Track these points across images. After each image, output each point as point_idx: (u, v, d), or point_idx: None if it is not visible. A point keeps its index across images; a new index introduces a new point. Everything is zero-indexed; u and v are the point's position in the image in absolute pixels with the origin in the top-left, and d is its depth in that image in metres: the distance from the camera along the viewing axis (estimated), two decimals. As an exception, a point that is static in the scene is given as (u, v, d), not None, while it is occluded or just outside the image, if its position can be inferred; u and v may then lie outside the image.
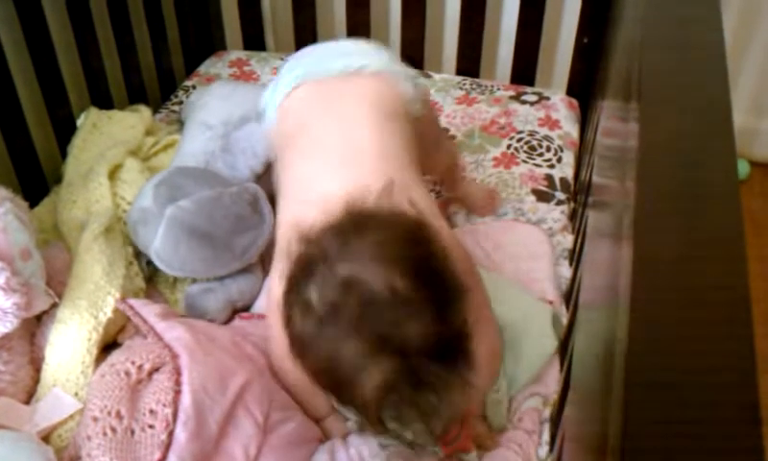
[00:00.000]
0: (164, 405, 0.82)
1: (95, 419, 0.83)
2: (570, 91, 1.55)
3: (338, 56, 1.01)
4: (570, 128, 1.43)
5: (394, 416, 0.69)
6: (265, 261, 1.09)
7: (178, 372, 0.84)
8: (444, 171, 1.19)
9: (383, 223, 0.73)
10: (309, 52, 1.07)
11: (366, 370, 0.67)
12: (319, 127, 0.94)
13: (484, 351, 0.81)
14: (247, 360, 0.91)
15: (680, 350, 0.42)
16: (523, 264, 1.11)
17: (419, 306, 0.67)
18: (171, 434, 0.81)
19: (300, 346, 0.72)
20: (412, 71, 1.04)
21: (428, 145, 1.03)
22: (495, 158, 1.35)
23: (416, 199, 0.80)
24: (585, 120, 1.48)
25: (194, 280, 1.04)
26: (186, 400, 0.82)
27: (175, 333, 0.88)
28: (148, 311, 0.92)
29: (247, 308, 1.06)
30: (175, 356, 0.85)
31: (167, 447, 0.80)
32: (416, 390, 0.67)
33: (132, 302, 0.94)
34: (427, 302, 0.68)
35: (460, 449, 0.86)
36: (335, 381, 0.71)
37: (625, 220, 0.53)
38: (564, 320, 1.01)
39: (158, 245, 1.00)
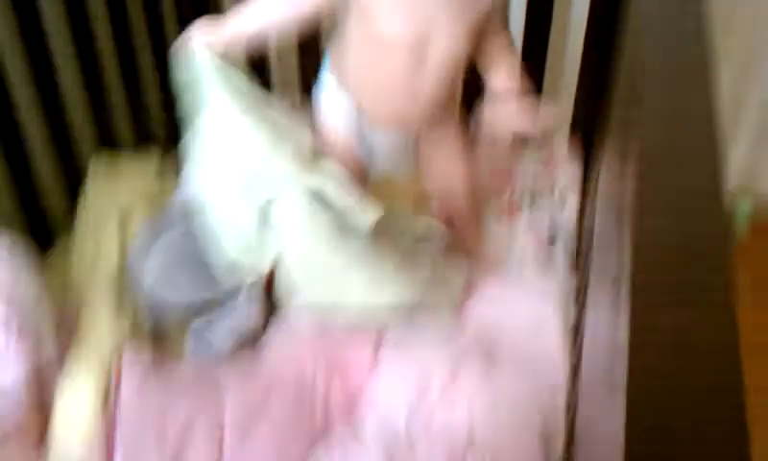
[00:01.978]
0: None
1: None
2: (573, 130, 1.55)
3: None
4: (574, 170, 1.43)
5: None
6: (272, 285, 1.07)
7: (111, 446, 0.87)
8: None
9: None
10: None
11: None
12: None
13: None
14: (210, 390, 0.93)
15: (677, 429, 0.43)
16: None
17: None
18: None
19: None
20: None
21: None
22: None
23: None
24: (588, 158, 1.48)
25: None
26: None
27: (126, 393, 0.90)
28: (133, 372, 0.93)
29: (258, 337, 1.05)
30: (113, 427, 0.88)
31: None
32: None
33: (128, 357, 0.95)
34: None
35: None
36: None
37: (622, 290, 0.54)
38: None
39: (150, 281, 1.02)
